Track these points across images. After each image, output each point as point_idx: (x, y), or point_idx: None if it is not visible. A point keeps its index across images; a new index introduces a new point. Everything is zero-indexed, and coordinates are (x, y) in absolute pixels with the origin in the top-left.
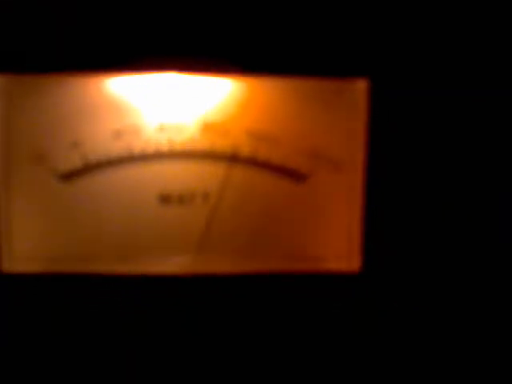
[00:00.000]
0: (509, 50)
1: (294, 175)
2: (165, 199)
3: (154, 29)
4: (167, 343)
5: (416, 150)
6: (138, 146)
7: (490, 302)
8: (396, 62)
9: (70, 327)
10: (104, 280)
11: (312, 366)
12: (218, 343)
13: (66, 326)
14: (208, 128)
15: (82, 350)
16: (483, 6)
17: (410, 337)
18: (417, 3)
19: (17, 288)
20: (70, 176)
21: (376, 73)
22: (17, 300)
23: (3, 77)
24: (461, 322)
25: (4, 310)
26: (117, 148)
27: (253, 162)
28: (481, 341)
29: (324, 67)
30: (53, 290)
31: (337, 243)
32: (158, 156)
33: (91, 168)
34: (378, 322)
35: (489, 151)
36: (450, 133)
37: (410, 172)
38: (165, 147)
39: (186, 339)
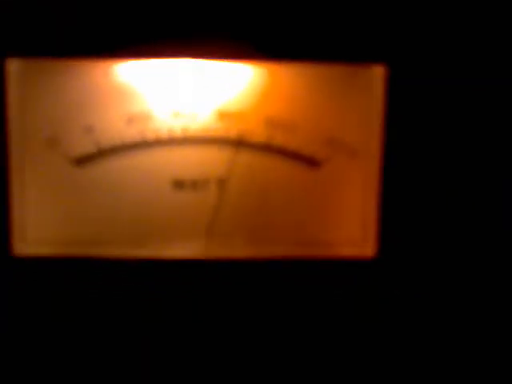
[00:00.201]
0: None
1: (309, 161)
2: (178, 184)
3: (170, 13)
4: (179, 328)
5: (432, 137)
6: (151, 132)
7: (503, 292)
8: (413, 48)
9: (82, 311)
10: (117, 264)
11: (326, 352)
12: (229, 328)
13: (78, 310)
14: (223, 115)
15: (94, 334)
16: None
17: (424, 323)
18: None
19: (29, 271)
20: (83, 161)
21: (393, 59)
22: (29, 283)
23: (18, 61)
24: (475, 310)
25: (16, 293)
26: (130, 133)
27: (267, 148)
28: (494, 329)
29: (341, 52)
30: (65, 273)
31: (352, 229)
32: (172, 142)
33: (105, 153)
34: (393, 308)
35: (505, 139)
36: (466, 120)
37: (426, 159)
38: (178, 133)
39: (198, 323)
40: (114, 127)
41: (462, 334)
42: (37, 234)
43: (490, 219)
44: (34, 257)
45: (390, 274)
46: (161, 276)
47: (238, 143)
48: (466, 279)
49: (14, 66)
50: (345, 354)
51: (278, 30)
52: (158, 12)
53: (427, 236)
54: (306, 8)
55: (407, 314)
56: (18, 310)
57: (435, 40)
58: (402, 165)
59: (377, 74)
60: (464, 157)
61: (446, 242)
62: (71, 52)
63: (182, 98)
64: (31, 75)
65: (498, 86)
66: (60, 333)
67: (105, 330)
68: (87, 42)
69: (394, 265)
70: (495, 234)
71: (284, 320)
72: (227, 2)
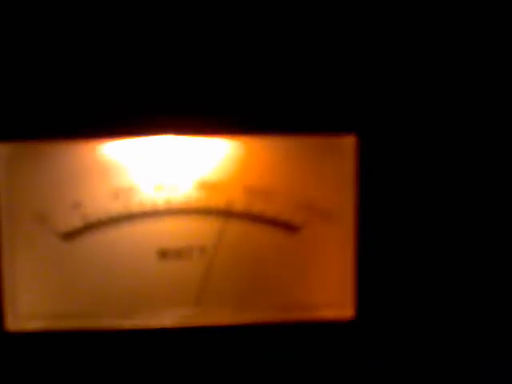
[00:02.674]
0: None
1: (287, 227)
2: (163, 254)
3: (147, 94)
4: None
5: (403, 201)
6: (135, 205)
7: (491, 341)
8: (381, 118)
9: (77, 382)
10: (108, 335)
11: None
12: None
13: (72, 383)
14: (204, 186)
15: None
16: (468, 58)
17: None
18: (401, 60)
19: (22, 346)
20: (71, 235)
21: (362, 129)
22: (23, 358)
23: (6, 145)
24: (460, 370)
25: (10, 368)
26: (115, 207)
27: (247, 216)
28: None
29: (314, 125)
30: (58, 346)
31: (331, 291)
32: (156, 214)
33: (92, 227)
34: (372, 368)
35: (479, 200)
36: (435, 181)
37: (400, 222)
38: (162, 205)
39: None
40: (100, 202)
41: None
42: (28, 308)
43: (470, 276)
44: (27, 332)
45: (369, 335)
46: (151, 344)
47: (219, 212)
48: (448, 338)
49: (2, 150)
50: None
51: (251, 106)
52: (138, 94)
53: (406, 296)
54: (277, 87)
55: (387, 374)
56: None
57: (402, 108)
58: (376, 227)
59: (348, 143)
60: (437, 214)
61: (425, 302)
62: (57, 134)
63: (163, 172)
64: (19, 157)
65: (468, 150)
66: None
67: None
68: (70, 125)
69: (372, 325)
70: (477, 290)
71: (267, 382)
72: (203, 84)
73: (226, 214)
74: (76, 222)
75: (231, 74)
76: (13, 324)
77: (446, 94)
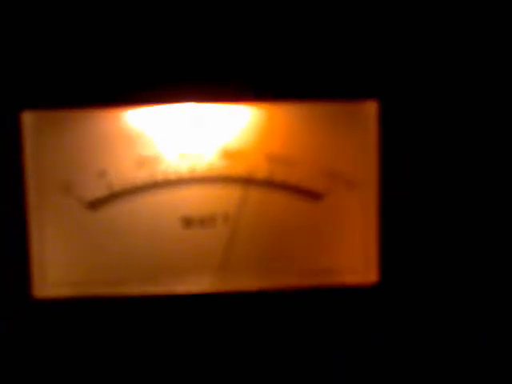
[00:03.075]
0: None
1: (310, 195)
2: (187, 222)
3: (170, 62)
4: (194, 360)
5: (426, 167)
6: (160, 174)
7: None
8: (404, 84)
9: (102, 349)
10: (133, 301)
11: (333, 378)
12: (241, 358)
13: (97, 348)
14: (226, 154)
15: (114, 371)
16: (490, 25)
17: (427, 350)
18: (424, 28)
19: (49, 312)
20: (97, 204)
21: (385, 95)
22: (49, 324)
23: (32, 113)
24: (479, 338)
25: (37, 334)
26: (140, 176)
27: (270, 184)
28: (499, 354)
29: (336, 91)
30: (83, 313)
31: (354, 257)
32: (180, 182)
33: (117, 196)
34: (396, 333)
35: (498, 165)
36: (457, 147)
37: (421, 186)
38: (186, 174)
39: (211, 354)
40: (125, 171)
41: (465, 358)
42: (55, 275)
43: (490, 243)
44: (53, 298)
45: (393, 300)
46: (176, 311)
47: (243, 180)
48: (469, 302)
49: (29, 118)
50: (350, 381)
51: (273, 73)
52: (162, 62)
53: (428, 261)
54: (299, 53)
55: (410, 338)
56: (39, 349)
57: (424, 75)
58: (398, 193)
59: (370, 109)
60: (458, 182)
61: (446, 267)
62: (82, 102)
63: (187, 141)
64: (45, 126)
65: (488, 115)
66: (82, 372)
67: (124, 366)
68: (96, 92)
69: (396, 290)
70: (496, 255)
71: (293, 348)
72: (225, 51)
73: (248, 181)
74: (102, 190)
75: (253, 41)
76: (40, 291)
77: (466, 59)
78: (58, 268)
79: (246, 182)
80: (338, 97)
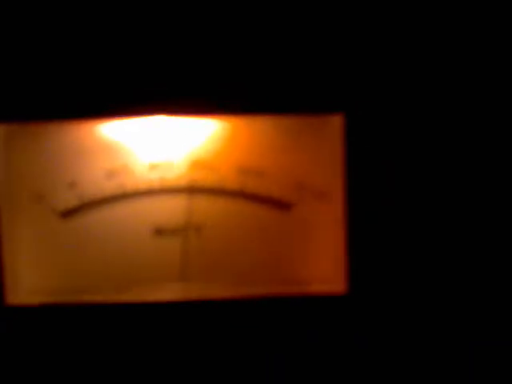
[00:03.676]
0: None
1: (280, 205)
2: (158, 232)
3: (139, 76)
4: (165, 367)
5: (391, 178)
6: (130, 184)
7: (481, 327)
8: (368, 97)
9: (74, 356)
10: (104, 309)
11: None
12: (211, 365)
13: (67, 356)
14: (196, 165)
15: (86, 378)
16: (452, 36)
17: (396, 359)
18: (388, 42)
19: (22, 319)
20: (68, 214)
21: (350, 108)
22: (22, 331)
23: (4, 126)
24: (451, 346)
25: (10, 341)
26: (110, 187)
27: (240, 195)
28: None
29: (302, 105)
30: (56, 320)
31: (323, 267)
32: (150, 192)
33: (87, 206)
34: (364, 344)
35: (464, 177)
36: (421, 158)
37: (388, 198)
38: (156, 184)
39: (182, 362)
40: (95, 181)
41: (433, 368)
42: (27, 283)
43: (458, 248)
44: (25, 305)
45: (362, 309)
46: (147, 319)
47: (212, 191)
48: (437, 311)
49: (0, 131)
50: None
51: (239, 87)
52: (131, 76)
53: (396, 271)
54: (266, 67)
55: (378, 348)
56: (11, 355)
57: (387, 88)
58: (365, 204)
59: (336, 122)
60: (424, 190)
61: (414, 276)
62: (53, 115)
63: (157, 152)
64: (16, 138)
65: (453, 128)
66: (53, 379)
67: (94, 374)
68: (67, 105)
69: (365, 300)
70: (465, 265)
71: (260, 355)
72: (193, 66)
73: (218, 192)
74: (73, 201)
75: (220, 56)
76: (12, 298)
77: (433, 72)
78: (31, 276)
79: (216, 192)
80: (304, 111)
